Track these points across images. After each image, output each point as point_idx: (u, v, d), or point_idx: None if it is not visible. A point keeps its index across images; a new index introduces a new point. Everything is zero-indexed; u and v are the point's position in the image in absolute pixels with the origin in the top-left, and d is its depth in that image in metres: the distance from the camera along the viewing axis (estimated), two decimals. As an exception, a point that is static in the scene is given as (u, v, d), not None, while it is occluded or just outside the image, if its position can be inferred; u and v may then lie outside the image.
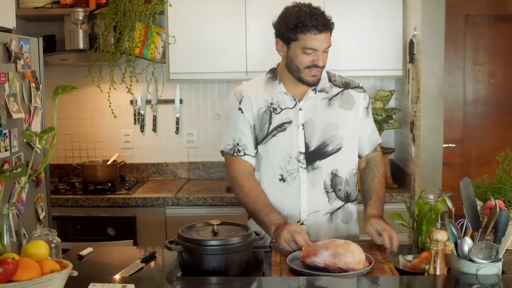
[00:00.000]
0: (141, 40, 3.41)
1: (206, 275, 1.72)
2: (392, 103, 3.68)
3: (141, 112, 3.79)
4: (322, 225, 2.20)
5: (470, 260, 1.62)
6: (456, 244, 1.67)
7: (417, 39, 3.19)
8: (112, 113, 3.64)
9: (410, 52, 3.27)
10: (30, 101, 2.52)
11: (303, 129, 2.17)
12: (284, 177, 2.18)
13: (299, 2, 2.14)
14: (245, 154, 2.20)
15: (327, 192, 2.19)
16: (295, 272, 1.77)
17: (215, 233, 1.80)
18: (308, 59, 2.08)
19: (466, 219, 1.70)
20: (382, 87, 3.67)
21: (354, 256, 1.75)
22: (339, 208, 2.22)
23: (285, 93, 2.19)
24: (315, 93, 2.19)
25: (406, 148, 3.45)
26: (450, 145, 3.69)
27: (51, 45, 3.60)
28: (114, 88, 3.54)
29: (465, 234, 1.68)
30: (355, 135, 2.24)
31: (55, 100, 1.67)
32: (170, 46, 3.39)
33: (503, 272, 1.68)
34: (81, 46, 3.49)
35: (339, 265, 1.74)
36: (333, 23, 2.10)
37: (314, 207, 2.18)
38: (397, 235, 1.98)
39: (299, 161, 2.17)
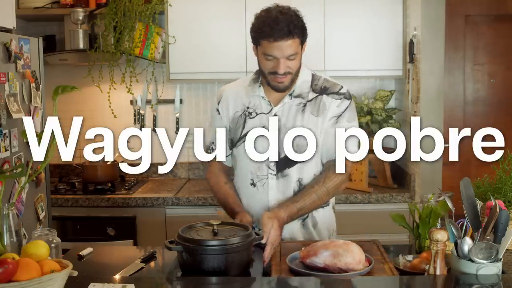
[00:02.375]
0: (141, 40, 3.41)
1: (206, 275, 1.72)
2: (392, 103, 3.68)
3: (141, 112, 3.80)
4: (295, 230, 2.18)
5: (470, 260, 1.62)
6: (456, 244, 1.67)
7: (417, 39, 3.19)
8: (112, 113, 3.64)
9: (410, 52, 3.27)
10: (30, 101, 2.52)
11: None
12: (254, 182, 2.18)
13: (276, 5, 2.08)
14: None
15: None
16: (294, 272, 1.76)
17: (215, 233, 1.80)
18: (270, 65, 2.07)
19: (466, 219, 1.70)
20: (382, 87, 3.67)
21: (354, 256, 1.75)
22: (308, 216, 2.18)
23: (263, 97, 2.18)
24: (291, 99, 2.16)
25: (406, 148, 3.45)
26: (450, 145, 3.69)
27: (51, 45, 3.60)
28: (114, 88, 3.54)
29: (465, 234, 1.68)
30: (320, 142, 2.15)
31: (55, 100, 1.67)
32: (170, 46, 3.39)
33: (503, 272, 1.68)
34: (81, 46, 3.49)
35: (339, 266, 1.73)
36: (301, 26, 2.03)
37: None
38: (398, 235, 1.97)
39: (269, 167, 2.15)
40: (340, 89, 2.18)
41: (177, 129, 3.80)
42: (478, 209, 1.77)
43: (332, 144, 2.10)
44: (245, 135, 2.16)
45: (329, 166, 2.15)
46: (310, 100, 2.17)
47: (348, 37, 3.35)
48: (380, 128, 3.38)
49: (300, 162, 2.12)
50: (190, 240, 1.75)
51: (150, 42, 3.43)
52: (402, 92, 3.55)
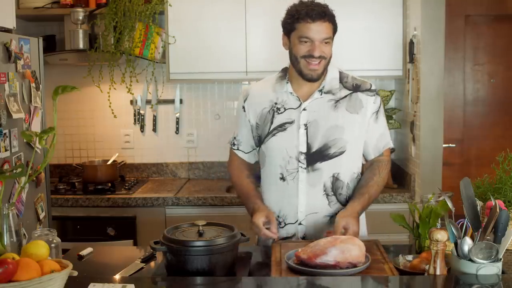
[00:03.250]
0: (141, 40, 3.41)
1: (191, 275, 1.72)
2: (392, 103, 3.68)
3: (141, 112, 3.80)
4: (321, 227, 2.18)
5: (470, 260, 1.63)
6: (456, 244, 1.67)
7: (417, 39, 3.19)
8: (112, 113, 3.63)
9: (410, 52, 3.27)
10: (30, 101, 2.52)
11: (305, 129, 2.15)
12: (284, 176, 2.19)
13: None
14: (238, 149, 2.32)
15: (327, 195, 2.17)
16: (300, 272, 1.76)
17: (200, 234, 1.80)
18: (305, 49, 2.09)
19: (466, 219, 1.70)
20: (382, 87, 3.67)
21: (361, 249, 1.79)
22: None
23: (291, 93, 2.19)
24: (321, 95, 2.18)
25: (406, 148, 3.45)
26: (450, 145, 3.69)
27: (51, 45, 3.60)
28: (114, 88, 3.54)
29: (465, 234, 1.68)
30: (361, 139, 2.22)
31: (55, 100, 1.67)
32: (170, 46, 3.39)
33: (503, 272, 1.68)
34: (81, 46, 3.49)
35: (349, 260, 1.76)
36: (333, 15, 2.11)
37: (312, 208, 2.17)
38: (398, 235, 1.98)
39: (299, 161, 2.16)
40: (371, 86, 2.24)
41: (177, 129, 3.80)
42: (478, 209, 1.77)
43: (377, 139, 2.25)
44: (274, 130, 2.19)
45: (378, 161, 2.27)
46: (344, 97, 2.19)
47: (348, 37, 3.35)
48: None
49: (334, 157, 2.15)
50: (174, 240, 1.75)
51: (150, 42, 3.43)
52: (402, 92, 3.55)
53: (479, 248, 1.63)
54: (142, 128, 3.81)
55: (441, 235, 1.63)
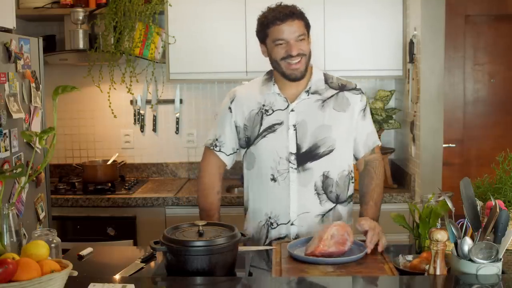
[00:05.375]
0: (141, 40, 3.41)
1: (191, 275, 1.72)
2: (392, 103, 3.68)
3: (141, 112, 3.80)
4: (313, 226, 2.19)
5: (470, 260, 1.62)
6: (456, 244, 1.67)
7: (417, 39, 3.19)
8: (112, 113, 3.63)
9: (410, 52, 3.27)
10: (30, 101, 2.52)
11: (294, 130, 2.17)
12: (275, 177, 2.20)
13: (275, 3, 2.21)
14: (220, 151, 2.29)
15: (318, 194, 2.19)
16: (298, 260, 1.85)
17: (200, 234, 1.80)
18: (282, 50, 2.13)
19: (466, 219, 1.70)
20: (382, 87, 3.67)
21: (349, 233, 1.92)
22: (330, 210, 2.22)
23: (278, 94, 2.21)
24: (308, 95, 2.20)
25: (406, 148, 3.45)
26: (450, 145, 3.69)
27: (51, 45, 3.60)
28: (114, 88, 3.54)
29: (465, 234, 1.68)
30: (350, 137, 2.24)
31: (55, 100, 1.67)
32: (170, 46, 3.39)
33: (503, 272, 1.68)
34: (81, 46, 3.49)
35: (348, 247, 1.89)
36: (301, 12, 2.14)
37: (304, 208, 2.19)
38: (398, 235, 1.98)
39: (289, 161, 2.18)
40: (356, 86, 2.28)
41: (177, 129, 3.80)
42: (478, 209, 1.77)
43: (367, 136, 2.27)
44: (264, 131, 2.20)
45: (371, 159, 2.29)
46: (330, 97, 2.22)
47: (348, 37, 3.35)
48: (380, 128, 3.38)
49: (324, 155, 2.18)
50: (174, 240, 1.75)
51: (150, 42, 3.43)
52: (402, 92, 3.55)
53: (479, 248, 1.63)
54: (142, 128, 3.81)
55: (441, 235, 1.63)
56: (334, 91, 2.23)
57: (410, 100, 3.33)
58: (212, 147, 2.30)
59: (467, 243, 1.64)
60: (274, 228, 2.21)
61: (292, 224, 2.19)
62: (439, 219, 1.89)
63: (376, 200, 2.23)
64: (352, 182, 2.29)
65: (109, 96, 3.56)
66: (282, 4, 2.17)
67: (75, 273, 1.78)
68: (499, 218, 1.65)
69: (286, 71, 2.15)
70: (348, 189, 2.26)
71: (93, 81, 3.54)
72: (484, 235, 1.66)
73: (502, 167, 2.05)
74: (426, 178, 3.14)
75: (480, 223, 1.70)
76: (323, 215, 2.21)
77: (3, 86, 2.28)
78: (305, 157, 2.17)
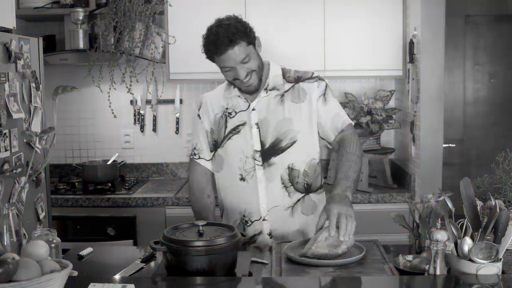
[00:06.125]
0: (141, 40, 3.41)
1: (191, 275, 1.72)
2: (392, 103, 3.68)
3: (141, 112, 3.80)
4: (284, 219, 2.24)
5: (470, 260, 1.63)
6: (456, 244, 1.67)
7: (417, 39, 3.19)
8: (112, 113, 3.63)
9: (410, 52, 3.27)
10: (30, 101, 2.52)
11: (257, 128, 2.22)
12: (243, 176, 2.25)
13: (216, 20, 2.20)
14: (199, 158, 2.35)
15: (285, 187, 2.23)
16: (294, 262, 1.84)
17: (200, 234, 1.80)
18: (230, 75, 2.17)
19: (466, 219, 1.70)
20: (382, 87, 3.67)
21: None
22: (299, 200, 2.25)
23: (239, 96, 2.26)
24: (267, 92, 2.24)
25: (406, 148, 3.45)
26: (450, 145, 3.69)
27: (51, 45, 3.60)
28: (114, 88, 3.53)
29: (465, 234, 1.68)
30: (313, 125, 2.24)
31: (55, 100, 1.67)
32: (170, 46, 3.39)
33: (503, 272, 1.68)
34: (81, 46, 3.49)
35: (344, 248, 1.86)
36: (241, 34, 2.09)
37: (273, 202, 2.23)
38: (398, 235, 1.97)
39: (255, 159, 2.22)
40: (312, 74, 2.29)
41: (177, 129, 3.80)
42: (478, 209, 1.77)
43: (332, 119, 2.25)
44: (229, 133, 2.26)
45: (341, 138, 2.22)
46: (287, 90, 2.25)
47: (348, 37, 3.35)
48: (380, 128, 3.38)
49: (287, 148, 2.21)
50: (174, 240, 1.75)
51: (150, 42, 3.43)
52: (402, 92, 3.55)
53: (479, 248, 1.63)
54: (142, 128, 3.81)
55: (441, 235, 1.63)
56: (291, 84, 2.26)
57: (410, 100, 3.33)
58: (192, 156, 2.37)
59: (467, 243, 1.64)
60: (249, 225, 2.26)
61: (264, 219, 2.24)
62: (439, 219, 1.89)
63: (345, 172, 2.10)
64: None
65: (109, 96, 3.56)
66: (221, 26, 2.12)
67: (75, 273, 1.78)
68: (499, 218, 1.65)
69: (241, 88, 2.21)
70: (320, 177, 2.30)
71: (93, 81, 3.53)
72: (484, 235, 1.66)
73: (502, 167, 2.05)
74: (426, 178, 3.14)
75: (480, 223, 1.70)
76: (292, 207, 2.24)
77: (3, 86, 2.28)
78: (269, 152, 2.21)
